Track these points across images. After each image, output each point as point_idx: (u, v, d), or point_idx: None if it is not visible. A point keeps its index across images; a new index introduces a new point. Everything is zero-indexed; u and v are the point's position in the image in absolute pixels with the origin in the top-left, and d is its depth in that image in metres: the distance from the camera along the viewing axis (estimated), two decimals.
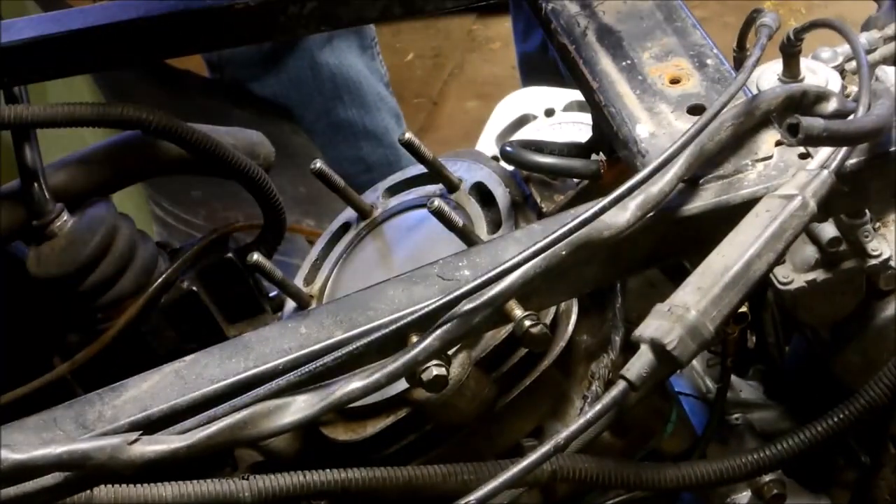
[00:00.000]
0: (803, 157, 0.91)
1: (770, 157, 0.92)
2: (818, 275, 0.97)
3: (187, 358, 0.86)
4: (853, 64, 1.08)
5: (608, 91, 1.01)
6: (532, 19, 1.14)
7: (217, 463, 1.01)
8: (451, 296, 0.82)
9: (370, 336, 0.83)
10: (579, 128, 1.82)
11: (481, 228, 1.05)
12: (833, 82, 1.01)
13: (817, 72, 1.02)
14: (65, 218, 1.12)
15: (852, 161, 0.89)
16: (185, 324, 1.18)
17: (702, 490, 1.14)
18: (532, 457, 0.77)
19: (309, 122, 1.95)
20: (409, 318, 0.83)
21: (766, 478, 1.10)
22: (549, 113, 1.91)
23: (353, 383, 0.82)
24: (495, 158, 1.19)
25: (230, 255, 1.17)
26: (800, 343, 1.17)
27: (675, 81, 1.00)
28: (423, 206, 1.06)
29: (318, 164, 1.10)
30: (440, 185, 1.10)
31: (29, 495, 0.78)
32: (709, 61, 1.01)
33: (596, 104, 1.02)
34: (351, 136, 2.00)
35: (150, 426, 0.82)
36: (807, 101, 0.92)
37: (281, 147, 1.19)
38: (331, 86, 1.96)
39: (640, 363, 0.79)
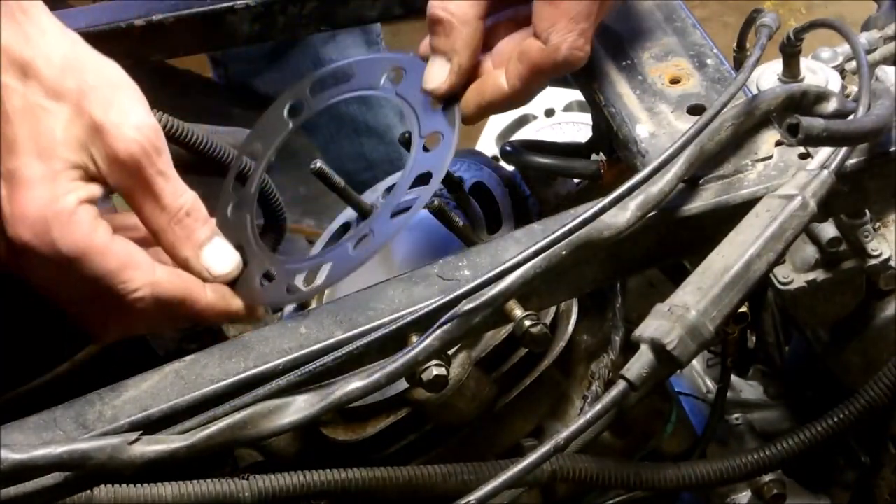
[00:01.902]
0: (803, 157, 0.91)
1: (770, 157, 0.92)
2: (818, 275, 0.97)
3: (187, 358, 0.86)
4: (853, 64, 1.08)
5: (608, 91, 1.01)
6: None
7: (217, 463, 1.01)
8: (451, 296, 0.82)
9: (370, 336, 0.83)
10: (579, 128, 1.82)
11: (481, 228, 1.05)
12: (833, 82, 1.01)
13: (817, 72, 1.02)
14: None
15: (852, 161, 0.89)
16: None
17: (702, 490, 1.14)
18: (532, 457, 0.77)
19: (312, 118, 1.94)
20: (409, 318, 0.83)
21: (767, 478, 1.10)
22: (549, 113, 1.91)
23: (353, 383, 0.82)
24: (495, 158, 1.19)
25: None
26: (800, 343, 1.17)
27: (675, 81, 1.00)
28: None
29: (318, 163, 1.10)
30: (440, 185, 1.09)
31: (29, 495, 0.78)
32: (709, 61, 1.01)
33: (596, 104, 1.02)
34: (352, 133, 1.99)
35: (150, 426, 0.82)
36: (807, 101, 0.92)
37: (281, 147, 1.18)
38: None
39: (640, 363, 0.79)
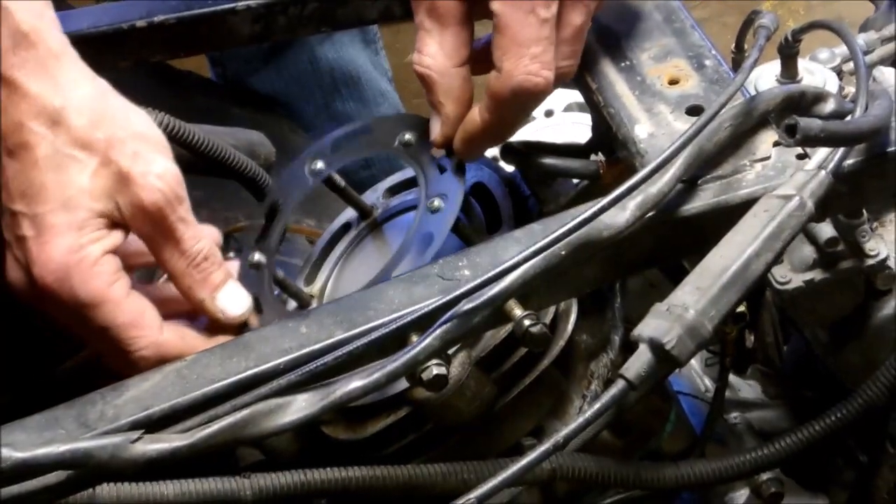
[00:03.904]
0: (801, 157, 0.91)
1: (768, 158, 0.92)
2: (816, 275, 0.98)
3: (188, 357, 0.86)
4: (851, 65, 1.08)
5: (607, 92, 1.01)
6: None
7: (219, 461, 1.01)
8: (451, 296, 0.83)
9: (370, 336, 0.83)
10: (579, 128, 1.82)
11: (481, 228, 1.05)
12: (831, 83, 1.02)
13: (815, 73, 1.03)
14: None
15: (850, 161, 0.89)
16: None
17: (700, 489, 1.14)
18: (531, 455, 0.77)
19: (309, 117, 1.94)
20: (409, 318, 0.83)
21: (765, 476, 1.10)
22: (549, 113, 1.91)
23: (354, 383, 0.82)
24: (495, 159, 1.19)
25: (231, 254, 1.17)
26: (798, 343, 1.17)
27: (673, 82, 1.00)
28: None
29: (318, 164, 1.11)
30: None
31: (31, 494, 0.78)
32: (707, 62, 1.01)
33: (595, 105, 1.02)
34: None
35: (152, 425, 0.82)
36: (805, 102, 0.93)
37: (281, 147, 1.19)
38: (329, 80, 1.95)
39: (638, 362, 0.79)
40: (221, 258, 0.99)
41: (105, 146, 0.92)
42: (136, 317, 0.94)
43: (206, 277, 0.97)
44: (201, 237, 0.97)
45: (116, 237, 0.94)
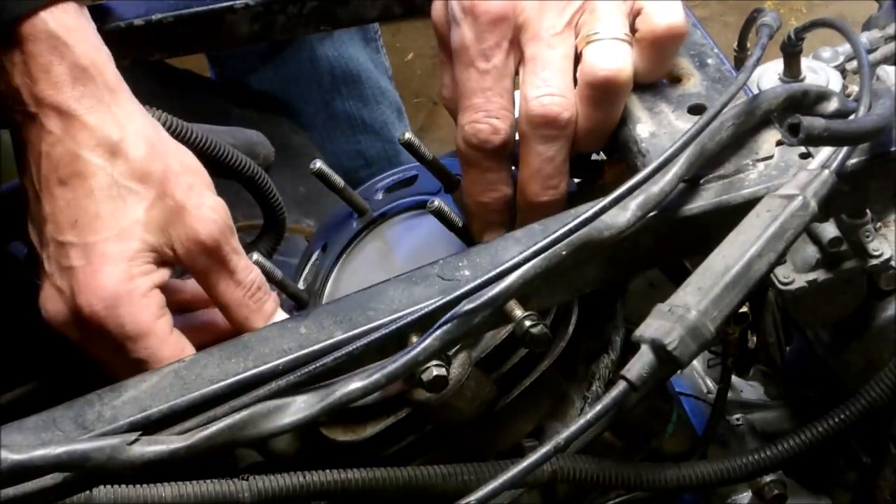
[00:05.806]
0: (804, 156, 0.91)
1: (771, 157, 0.92)
2: (819, 275, 0.97)
3: (186, 358, 0.86)
4: (854, 63, 1.08)
5: None
6: None
7: (218, 463, 1.01)
8: (452, 296, 0.82)
9: (370, 336, 0.83)
10: None
11: None
12: (834, 82, 1.01)
13: (818, 71, 1.02)
14: None
15: (853, 161, 0.89)
16: None
17: (702, 490, 1.14)
18: (532, 457, 0.77)
19: (308, 115, 1.94)
20: (409, 319, 0.83)
21: (767, 478, 1.09)
22: None
23: (353, 384, 0.82)
24: None
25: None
26: (801, 343, 1.17)
27: (675, 81, 1.00)
28: (423, 205, 1.06)
29: (318, 164, 1.10)
30: (440, 185, 1.10)
31: (28, 495, 0.78)
32: (709, 61, 1.01)
33: None
34: (349, 130, 1.99)
35: (150, 426, 0.82)
36: (808, 101, 0.92)
37: (281, 147, 1.18)
38: (329, 78, 1.95)
39: (640, 363, 0.79)
40: (269, 285, 1.01)
41: (161, 179, 0.94)
42: (178, 352, 0.94)
43: (261, 307, 0.98)
44: (253, 267, 0.99)
45: (164, 274, 0.96)
